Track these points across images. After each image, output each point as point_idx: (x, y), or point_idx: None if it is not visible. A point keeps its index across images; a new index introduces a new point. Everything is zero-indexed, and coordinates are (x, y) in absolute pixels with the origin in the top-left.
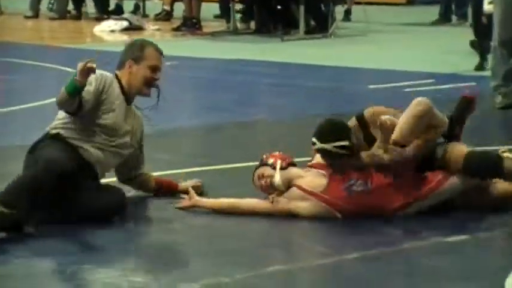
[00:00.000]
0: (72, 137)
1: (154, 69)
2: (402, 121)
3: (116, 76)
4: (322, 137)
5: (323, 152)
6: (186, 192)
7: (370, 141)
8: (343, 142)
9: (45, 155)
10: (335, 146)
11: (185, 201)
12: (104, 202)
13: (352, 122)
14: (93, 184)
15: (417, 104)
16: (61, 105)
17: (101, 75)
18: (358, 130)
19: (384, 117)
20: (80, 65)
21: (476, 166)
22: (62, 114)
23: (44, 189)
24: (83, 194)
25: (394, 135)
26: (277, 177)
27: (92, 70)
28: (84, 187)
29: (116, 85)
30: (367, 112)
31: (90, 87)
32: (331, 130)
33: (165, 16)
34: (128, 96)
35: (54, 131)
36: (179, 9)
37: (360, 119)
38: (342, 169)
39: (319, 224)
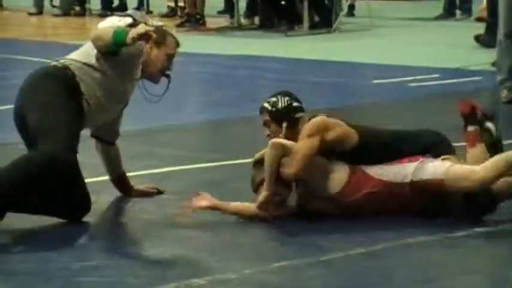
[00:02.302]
0: (79, 75)
1: (171, 58)
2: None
3: None
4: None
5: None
6: (141, 194)
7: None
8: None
9: (49, 146)
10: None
11: (201, 201)
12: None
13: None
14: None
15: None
16: (99, 46)
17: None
18: None
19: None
20: (142, 28)
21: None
22: (80, 54)
23: (40, 189)
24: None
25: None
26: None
27: (149, 38)
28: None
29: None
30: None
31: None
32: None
33: (171, 13)
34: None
35: (64, 62)
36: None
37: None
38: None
39: (324, 219)
